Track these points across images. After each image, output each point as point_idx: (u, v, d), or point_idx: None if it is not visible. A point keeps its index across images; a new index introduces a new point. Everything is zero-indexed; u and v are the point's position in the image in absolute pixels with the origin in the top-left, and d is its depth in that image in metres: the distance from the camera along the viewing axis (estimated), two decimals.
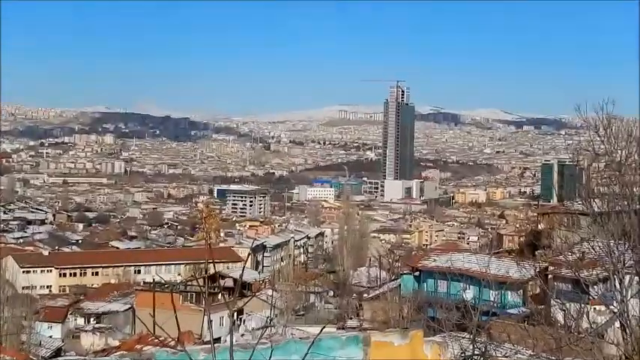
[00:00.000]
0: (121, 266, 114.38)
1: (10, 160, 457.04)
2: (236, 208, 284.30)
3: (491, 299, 46.48)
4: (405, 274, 69.46)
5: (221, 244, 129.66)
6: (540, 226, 69.36)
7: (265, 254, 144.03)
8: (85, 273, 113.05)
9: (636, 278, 18.60)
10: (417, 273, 65.45)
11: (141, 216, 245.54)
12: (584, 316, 19.77)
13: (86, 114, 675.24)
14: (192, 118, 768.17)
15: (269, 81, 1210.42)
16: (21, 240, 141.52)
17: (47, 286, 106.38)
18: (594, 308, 23.70)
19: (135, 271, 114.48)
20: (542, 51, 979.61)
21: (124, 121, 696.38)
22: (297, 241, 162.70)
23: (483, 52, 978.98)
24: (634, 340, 17.29)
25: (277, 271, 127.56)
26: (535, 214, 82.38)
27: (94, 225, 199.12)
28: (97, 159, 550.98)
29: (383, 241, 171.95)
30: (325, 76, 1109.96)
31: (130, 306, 75.33)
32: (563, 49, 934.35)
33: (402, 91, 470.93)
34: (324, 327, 10.79)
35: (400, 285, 66.81)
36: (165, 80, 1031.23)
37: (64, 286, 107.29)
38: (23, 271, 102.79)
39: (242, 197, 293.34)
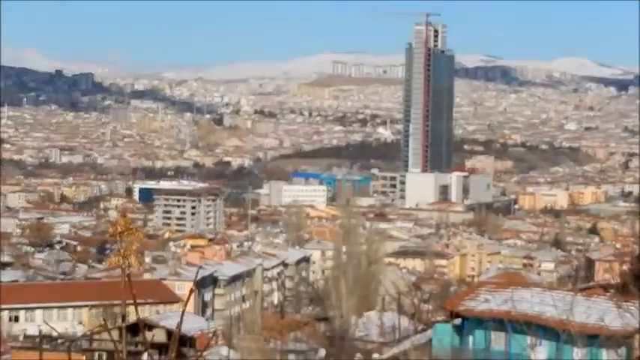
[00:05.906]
0: None
1: None
2: (170, 218, 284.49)
3: None
4: (439, 322, 70.09)
5: (147, 275, 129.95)
6: None
7: (217, 291, 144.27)
8: None
9: None
10: (458, 320, 66.01)
11: (18, 230, 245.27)
12: None
13: None
14: (97, 75, 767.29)
15: (221, 17, 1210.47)
16: None
17: None
18: None
19: (10, 317, 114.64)
20: None
21: None
22: (267, 270, 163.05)
23: None
24: None
25: (236, 318, 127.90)
26: None
27: None
28: None
29: (404, 271, 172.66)
30: (312, 10, 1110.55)
31: None
32: None
33: (436, 32, 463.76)
34: None
35: (432, 340, 67.45)
36: (56, 16, 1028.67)
37: None
38: None
39: (179, 201, 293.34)
